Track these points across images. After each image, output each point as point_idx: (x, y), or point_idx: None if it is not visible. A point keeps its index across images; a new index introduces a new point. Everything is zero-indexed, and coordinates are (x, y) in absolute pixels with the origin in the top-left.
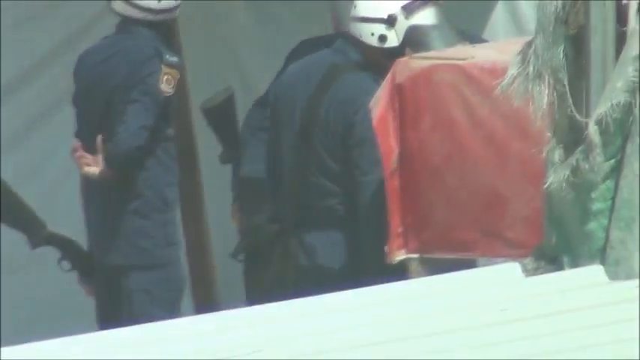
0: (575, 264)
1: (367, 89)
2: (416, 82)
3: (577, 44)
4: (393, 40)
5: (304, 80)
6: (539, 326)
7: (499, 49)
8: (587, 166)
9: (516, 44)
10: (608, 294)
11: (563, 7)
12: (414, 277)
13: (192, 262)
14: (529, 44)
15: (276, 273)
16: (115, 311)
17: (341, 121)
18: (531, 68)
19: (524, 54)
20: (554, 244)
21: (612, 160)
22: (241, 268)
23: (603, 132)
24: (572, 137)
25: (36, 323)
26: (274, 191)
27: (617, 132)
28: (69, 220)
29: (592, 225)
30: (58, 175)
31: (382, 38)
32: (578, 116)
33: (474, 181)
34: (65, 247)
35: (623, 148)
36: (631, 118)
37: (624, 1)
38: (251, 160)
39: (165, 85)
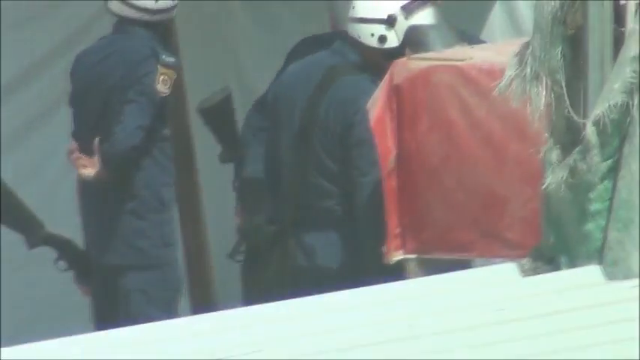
0: (572, 264)
1: (366, 90)
2: (414, 83)
3: (575, 45)
4: (393, 40)
5: (303, 81)
6: (537, 326)
7: (497, 50)
8: (584, 167)
9: (514, 45)
10: (606, 294)
11: (561, 8)
12: (411, 278)
13: (190, 263)
14: (526, 45)
15: (274, 273)
16: (111, 311)
17: (340, 121)
18: (529, 69)
19: (521, 55)
20: (551, 245)
21: (610, 161)
22: (238, 269)
23: (601, 133)
24: (569, 138)
25: (36, 323)
26: (273, 192)
27: (614, 133)
28: (67, 220)
29: (590, 225)
30: (57, 175)
31: (382, 39)
32: (575, 117)
33: (472, 182)
34: (62, 247)
35: (620, 149)
36: (628, 119)
37: (622, 2)
38: (253, 160)
39: (162, 86)
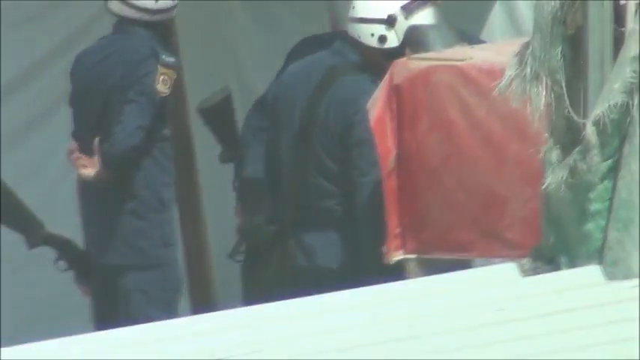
0: (572, 264)
1: (366, 90)
2: (414, 83)
3: (575, 45)
4: (393, 40)
5: (304, 81)
6: (537, 326)
7: (497, 51)
8: (584, 167)
9: (514, 45)
10: (606, 294)
11: (561, 8)
12: (411, 278)
13: (190, 263)
14: (526, 45)
15: (274, 273)
16: (111, 312)
17: (340, 121)
18: (529, 69)
19: (521, 55)
20: (551, 245)
21: (610, 161)
22: (238, 269)
23: (601, 133)
24: (569, 138)
25: (36, 323)
26: (273, 191)
27: (614, 133)
28: (67, 220)
29: (590, 225)
30: (57, 175)
31: (382, 39)
32: (575, 117)
33: (472, 182)
34: (62, 247)
35: (620, 149)
36: (628, 119)
37: (622, 2)
38: (253, 160)
39: (162, 86)
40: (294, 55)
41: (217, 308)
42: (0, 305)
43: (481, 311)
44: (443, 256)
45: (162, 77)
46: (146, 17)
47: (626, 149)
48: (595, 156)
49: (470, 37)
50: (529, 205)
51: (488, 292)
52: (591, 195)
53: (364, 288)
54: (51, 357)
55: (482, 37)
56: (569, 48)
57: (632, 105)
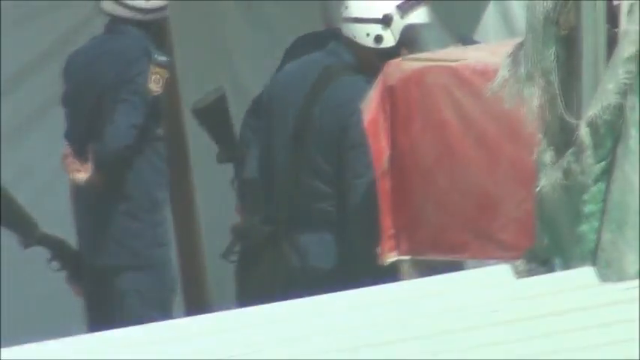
0: (566, 266)
1: (361, 92)
2: (407, 83)
3: (568, 45)
4: (390, 40)
5: (299, 82)
6: (531, 328)
7: (491, 51)
8: (578, 169)
9: (508, 46)
10: (600, 296)
11: (554, 9)
12: (405, 279)
13: (183, 263)
14: (520, 46)
15: (268, 274)
16: (105, 313)
17: (335, 123)
18: (522, 70)
19: (514, 56)
20: (545, 246)
21: (603, 163)
22: (232, 269)
23: (594, 134)
24: (563, 139)
25: (36, 322)
26: (267, 192)
27: (607, 134)
28: (62, 219)
29: (583, 227)
30: (52, 175)
31: (378, 39)
32: (569, 118)
33: (466, 183)
34: (56, 247)
35: (614, 151)
36: (621, 120)
37: (615, 2)
38: (254, 159)
39: (154, 85)
40: (291, 53)
41: (211, 308)
42: (0, 305)
43: (475, 313)
44: (437, 257)
45: (154, 76)
46: (138, 16)
47: (619, 151)
48: (588, 157)
49: (463, 37)
50: (523, 206)
51: (482, 294)
52: (585, 196)
53: (358, 289)
54: (50, 357)
55: (476, 37)
56: (562, 49)
57: (626, 106)
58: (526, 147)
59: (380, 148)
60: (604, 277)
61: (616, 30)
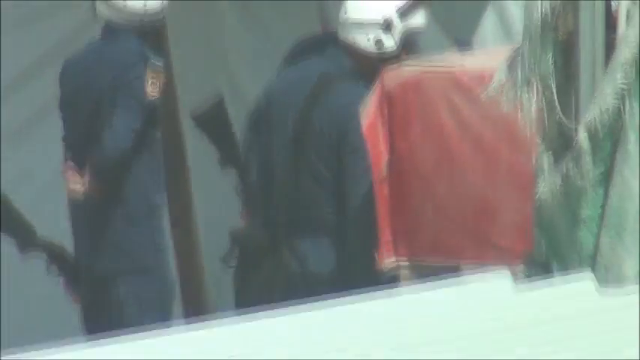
0: (564, 270)
1: (360, 97)
2: (405, 89)
3: (566, 50)
4: (390, 44)
5: (297, 87)
6: (529, 333)
7: (489, 57)
8: (576, 173)
9: (505, 51)
10: (598, 301)
11: (552, 13)
12: (403, 284)
13: (182, 267)
14: (517, 50)
15: (267, 279)
16: (103, 318)
17: (334, 128)
18: (520, 75)
19: (512, 60)
20: (544, 251)
21: (602, 168)
22: (231, 274)
23: (592, 138)
24: (561, 144)
25: (35, 326)
26: (266, 197)
27: (606, 138)
28: (60, 224)
29: (582, 232)
30: (50, 179)
31: (379, 43)
32: (567, 122)
33: (464, 188)
34: (53, 253)
35: (612, 155)
36: (620, 125)
37: (613, 7)
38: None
39: (151, 89)
40: (291, 57)
41: (209, 312)
42: (0, 307)
43: (473, 318)
44: (435, 262)
45: (151, 80)
46: (135, 21)
47: (618, 155)
48: (587, 162)
49: (459, 39)
50: (521, 211)
51: (479, 299)
52: (583, 201)
53: (356, 295)
54: None
55: (475, 41)
56: (560, 53)
57: (624, 110)
58: (524, 152)
59: (378, 152)
60: (602, 282)
61: (614, 35)
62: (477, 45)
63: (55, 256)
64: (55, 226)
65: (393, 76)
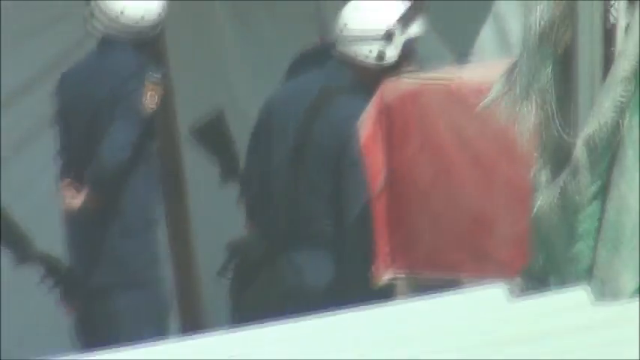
0: (562, 285)
1: (360, 111)
2: (404, 102)
3: (564, 64)
4: (392, 55)
5: (297, 101)
6: (527, 348)
7: (487, 69)
8: (574, 188)
9: (504, 64)
10: (595, 315)
11: (550, 27)
12: (400, 298)
13: (178, 281)
14: (516, 64)
15: (263, 291)
16: (98, 332)
17: (334, 142)
18: (518, 88)
19: (510, 73)
20: (541, 265)
21: (599, 182)
22: (227, 287)
23: (590, 152)
24: (559, 158)
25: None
26: (265, 209)
27: (604, 153)
28: (58, 236)
29: (579, 246)
30: (48, 191)
31: (381, 55)
32: (565, 136)
33: (461, 202)
34: (49, 265)
35: (610, 169)
36: (618, 139)
37: (612, 21)
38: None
39: (149, 101)
40: (293, 69)
41: (206, 326)
42: (0, 311)
43: (470, 333)
44: (432, 275)
45: (149, 93)
46: (132, 33)
47: (615, 170)
48: (585, 176)
49: (460, 53)
50: (518, 225)
51: (477, 313)
52: (581, 215)
53: (353, 308)
54: None
55: (473, 54)
56: (558, 67)
57: (622, 124)
58: (522, 165)
59: (377, 166)
60: (599, 296)
61: (612, 49)
62: (476, 58)
63: (51, 269)
64: (54, 238)
65: (392, 88)
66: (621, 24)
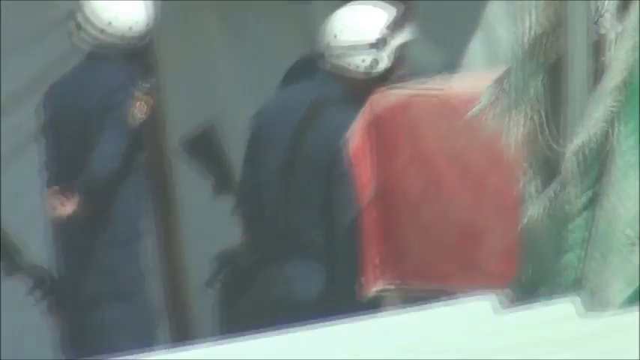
0: (551, 295)
1: (350, 122)
2: (393, 113)
3: (554, 74)
4: (384, 62)
5: (288, 112)
6: (513, 357)
7: (477, 80)
8: (564, 198)
9: (494, 74)
10: (584, 326)
11: (541, 38)
12: (390, 309)
13: (168, 291)
14: (506, 74)
15: (253, 301)
16: (86, 343)
17: (324, 153)
18: (508, 98)
19: (499, 83)
20: (530, 276)
21: (589, 192)
22: (216, 297)
23: (580, 163)
24: (549, 168)
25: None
26: (255, 219)
27: (593, 163)
28: (48, 247)
29: (568, 256)
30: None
31: (374, 63)
32: (555, 146)
33: (451, 213)
34: (38, 276)
35: (599, 180)
36: (607, 149)
37: (602, 31)
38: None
39: (139, 111)
40: (291, 74)
41: (195, 337)
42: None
43: (460, 344)
44: (422, 286)
45: (139, 103)
46: (121, 44)
47: (605, 180)
48: (574, 187)
49: (450, 63)
50: (507, 236)
51: (466, 325)
52: (570, 226)
53: (342, 319)
54: None
55: (463, 63)
56: (549, 77)
57: (612, 134)
58: (511, 176)
59: (366, 177)
60: (588, 306)
61: (603, 59)
62: (466, 68)
63: (39, 280)
64: (44, 249)
65: (382, 99)
66: (611, 34)
